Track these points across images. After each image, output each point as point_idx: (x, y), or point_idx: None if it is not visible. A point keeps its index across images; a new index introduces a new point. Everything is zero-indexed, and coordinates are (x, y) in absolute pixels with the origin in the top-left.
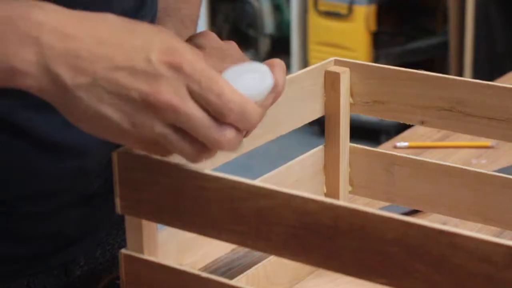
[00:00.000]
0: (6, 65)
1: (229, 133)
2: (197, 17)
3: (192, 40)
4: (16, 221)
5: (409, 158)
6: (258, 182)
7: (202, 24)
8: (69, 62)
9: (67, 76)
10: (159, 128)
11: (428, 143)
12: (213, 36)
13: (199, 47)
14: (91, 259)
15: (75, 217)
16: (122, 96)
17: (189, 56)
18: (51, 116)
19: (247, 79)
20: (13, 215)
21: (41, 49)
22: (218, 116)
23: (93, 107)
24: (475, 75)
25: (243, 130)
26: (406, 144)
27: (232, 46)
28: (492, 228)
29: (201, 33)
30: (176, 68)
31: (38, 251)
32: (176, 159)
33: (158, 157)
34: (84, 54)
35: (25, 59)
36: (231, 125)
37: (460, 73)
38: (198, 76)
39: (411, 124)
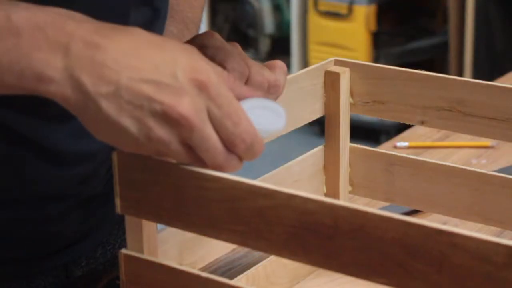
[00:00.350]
0: (33, 71)
1: (234, 162)
2: (200, 20)
3: (195, 40)
4: (18, 223)
5: (409, 158)
6: (258, 182)
7: (202, 24)
8: (94, 70)
9: (89, 83)
10: (175, 146)
11: (428, 143)
12: (217, 36)
13: (202, 47)
14: (91, 259)
15: (77, 218)
16: (143, 108)
17: (214, 78)
18: (61, 128)
19: (263, 115)
20: (16, 218)
21: (68, 56)
22: (228, 143)
23: (112, 117)
24: (475, 75)
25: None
26: (406, 144)
27: (235, 47)
28: (492, 228)
29: (204, 33)
30: (201, 88)
31: (39, 252)
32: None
33: (158, 158)
34: (110, 63)
35: (52, 66)
36: (237, 153)
37: (460, 73)
38: (220, 100)
39: (411, 124)
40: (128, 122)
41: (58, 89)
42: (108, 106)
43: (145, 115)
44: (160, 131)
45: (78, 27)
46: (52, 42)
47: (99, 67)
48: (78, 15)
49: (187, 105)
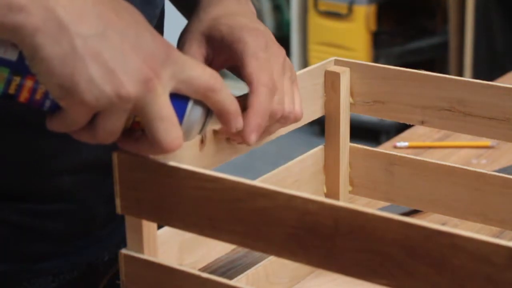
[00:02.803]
0: (7, 4)
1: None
2: None
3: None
4: (29, 220)
5: (409, 158)
6: (258, 182)
7: None
8: (74, 8)
9: (71, 22)
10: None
11: (428, 143)
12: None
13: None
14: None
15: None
16: (121, 58)
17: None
18: None
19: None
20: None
21: None
22: None
23: (84, 60)
24: (475, 75)
25: None
26: (406, 144)
27: (276, 57)
28: (492, 228)
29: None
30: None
31: (44, 250)
32: (175, 159)
33: (158, 158)
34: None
35: None
36: None
37: (460, 73)
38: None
39: (411, 124)
40: (96, 70)
41: (28, 19)
42: (84, 47)
43: (124, 70)
44: (132, 89)
45: None
46: None
47: (83, 5)
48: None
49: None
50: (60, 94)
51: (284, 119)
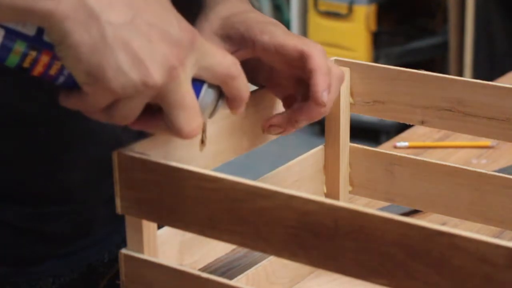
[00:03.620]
0: None
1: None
2: None
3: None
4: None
5: (409, 158)
6: (258, 182)
7: None
8: None
9: (102, 10)
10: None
11: (428, 143)
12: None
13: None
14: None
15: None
16: (149, 47)
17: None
18: None
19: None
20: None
21: None
22: None
23: (113, 48)
24: (475, 75)
25: None
26: (406, 144)
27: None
28: (492, 228)
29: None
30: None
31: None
32: (176, 159)
33: (158, 158)
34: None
35: None
36: None
37: (460, 73)
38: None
39: (411, 124)
40: (124, 59)
41: (58, 6)
42: (115, 37)
43: (152, 58)
44: (159, 78)
45: None
46: None
47: None
48: None
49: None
50: (87, 80)
51: (337, 80)
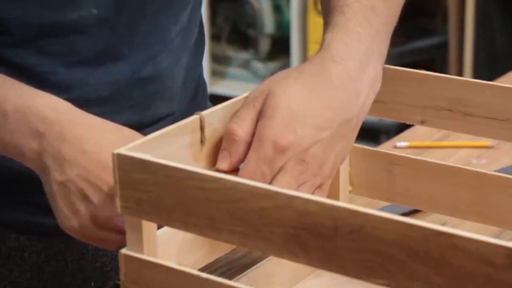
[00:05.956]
0: (15, 148)
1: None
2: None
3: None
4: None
5: (409, 158)
6: (258, 182)
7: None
8: (57, 160)
9: (52, 169)
10: (102, 234)
11: (428, 143)
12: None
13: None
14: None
15: None
16: (82, 202)
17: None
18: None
19: None
20: None
21: (42, 144)
22: None
23: (58, 199)
24: (475, 75)
25: None
26: (406, 144)
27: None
28: (492, 228)
29: None
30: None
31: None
32: (176, 159)
33: (158, 158)
34: (69, 158)
35: (28, 147)
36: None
37: (460, 73)
38: None
39: (411, 124)
40: (66, 207)
41: (31, 165)
42: (58, 190)
43: (83, 209)
44: (90, 225)
45: (56, 118)
46: (32, 129)
47: (62, 158)
48: (62, 106)
49: (112, 212)
50: (62, 226)
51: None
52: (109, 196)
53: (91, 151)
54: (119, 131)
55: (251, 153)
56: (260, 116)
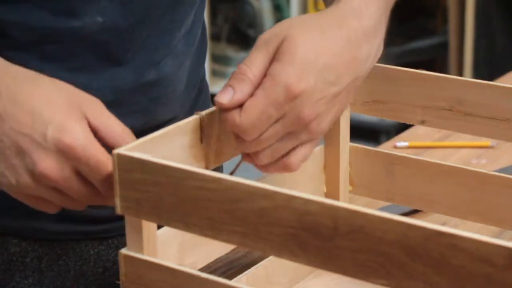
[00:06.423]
0: None
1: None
2: None
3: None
4: None
5: (409, 158)
6: (258, 182)
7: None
8: None
9: None
10: (41, 191)
11: (428, 143)
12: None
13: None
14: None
15: None
16: (18, 156)
17: (81, 140)
18: None
19: None
20: None
21: None
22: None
23: None
24: (475, 75)
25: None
26: (406, 144)
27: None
28: (492, 228)
29: None
30: (65, 150)
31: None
32: (175, 159)
33: (158, 158)
34: (1, 111)
35: None
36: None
37: (460, 73)
38: (86, 160)
39: (411, 124)
40: (1, 163)
41: None
42: None
43: (17, 162)
44: (28, 179)
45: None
46: None
47: None
48: (15, 68)
49: (49, 165)
50: (4, 188)
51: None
52: (45, 149)
53: (23, 102)
54: (53, 82)
55: (261, 92)
56: (274, 59)
